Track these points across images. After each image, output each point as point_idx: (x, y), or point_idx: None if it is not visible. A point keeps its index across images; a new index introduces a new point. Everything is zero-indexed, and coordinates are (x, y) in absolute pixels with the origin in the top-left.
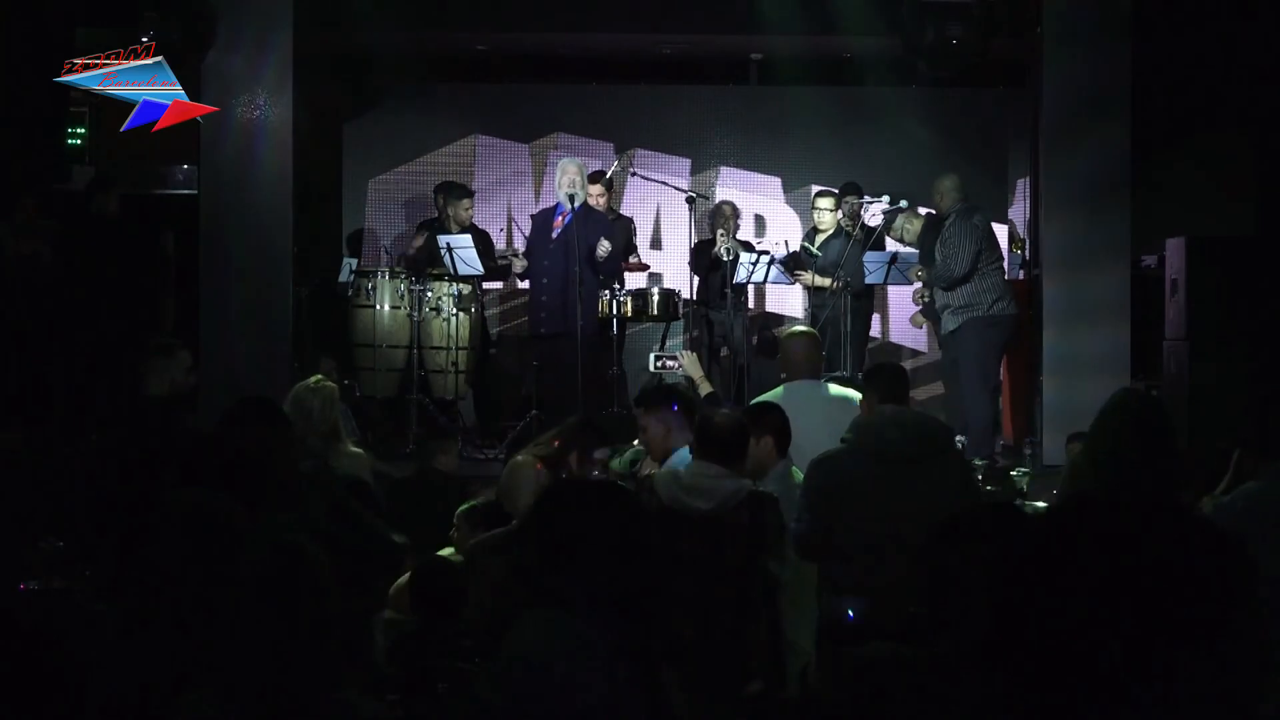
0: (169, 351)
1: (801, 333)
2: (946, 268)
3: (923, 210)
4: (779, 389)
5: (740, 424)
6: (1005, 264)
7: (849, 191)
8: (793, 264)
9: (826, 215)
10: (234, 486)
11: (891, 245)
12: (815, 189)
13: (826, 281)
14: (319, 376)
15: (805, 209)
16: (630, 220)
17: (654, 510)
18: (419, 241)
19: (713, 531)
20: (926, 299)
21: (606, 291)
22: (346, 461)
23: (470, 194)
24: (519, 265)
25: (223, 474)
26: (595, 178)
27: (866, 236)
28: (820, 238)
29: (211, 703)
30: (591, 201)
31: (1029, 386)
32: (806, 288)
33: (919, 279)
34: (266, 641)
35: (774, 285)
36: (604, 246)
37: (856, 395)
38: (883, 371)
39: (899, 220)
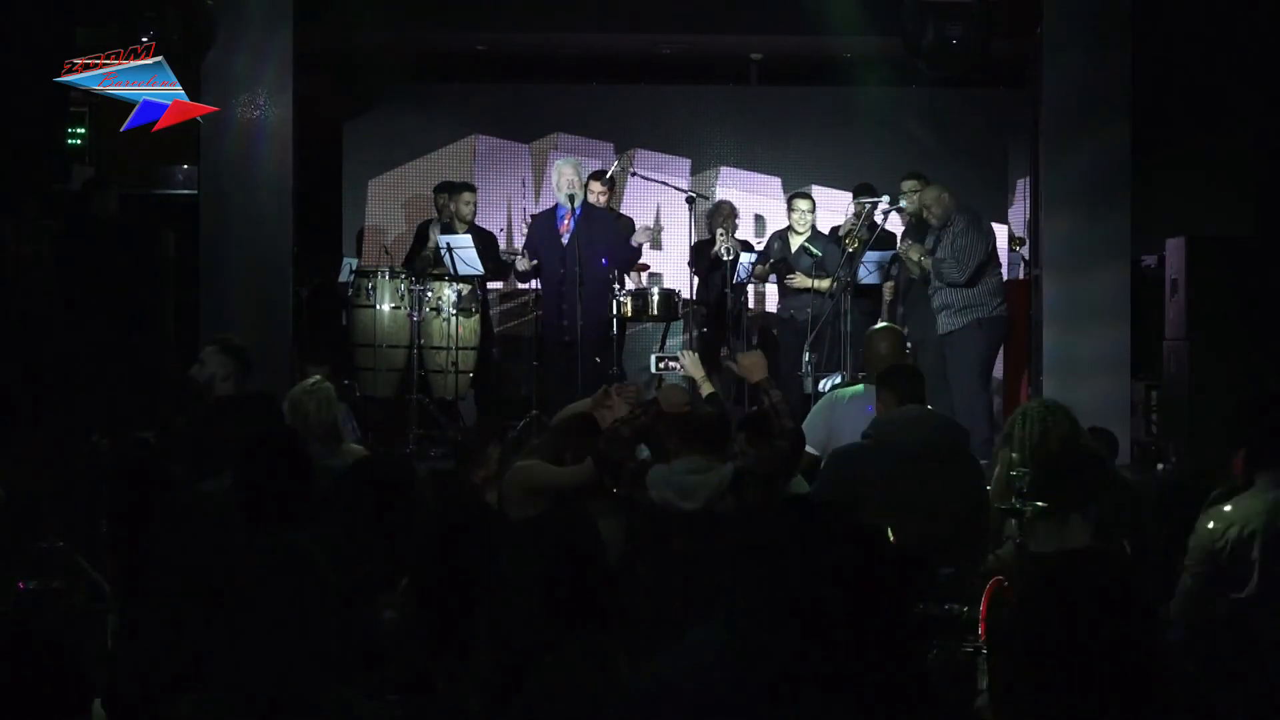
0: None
1: (885, 329)
2: (952, 268)
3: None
4: (859, 386)
5: (721, 415)
6: (1004, 265)
7: (862, 192)
8: (779, 267)
9: (806, 216)
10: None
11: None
12: (815, 189)
13: (825, 283)
14: (316, 378)
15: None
16: (631, 220)
17: (646, 507)
18: (433, 241)
19: (703, 526)
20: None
21: (610, 291)
22: (349, 461)
23: (472, 189)
24: (524, 264)
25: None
26: (597, 176)
27: (870, 231)
28: (795, 240)
29: (211, 703)
30: (592, 199)
31: (1028, 386)
32: (797, 290)
33: (917, 262)
34: (266, 641)
35: (774, 285)
36: (644, 234)
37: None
38: (902, 372)
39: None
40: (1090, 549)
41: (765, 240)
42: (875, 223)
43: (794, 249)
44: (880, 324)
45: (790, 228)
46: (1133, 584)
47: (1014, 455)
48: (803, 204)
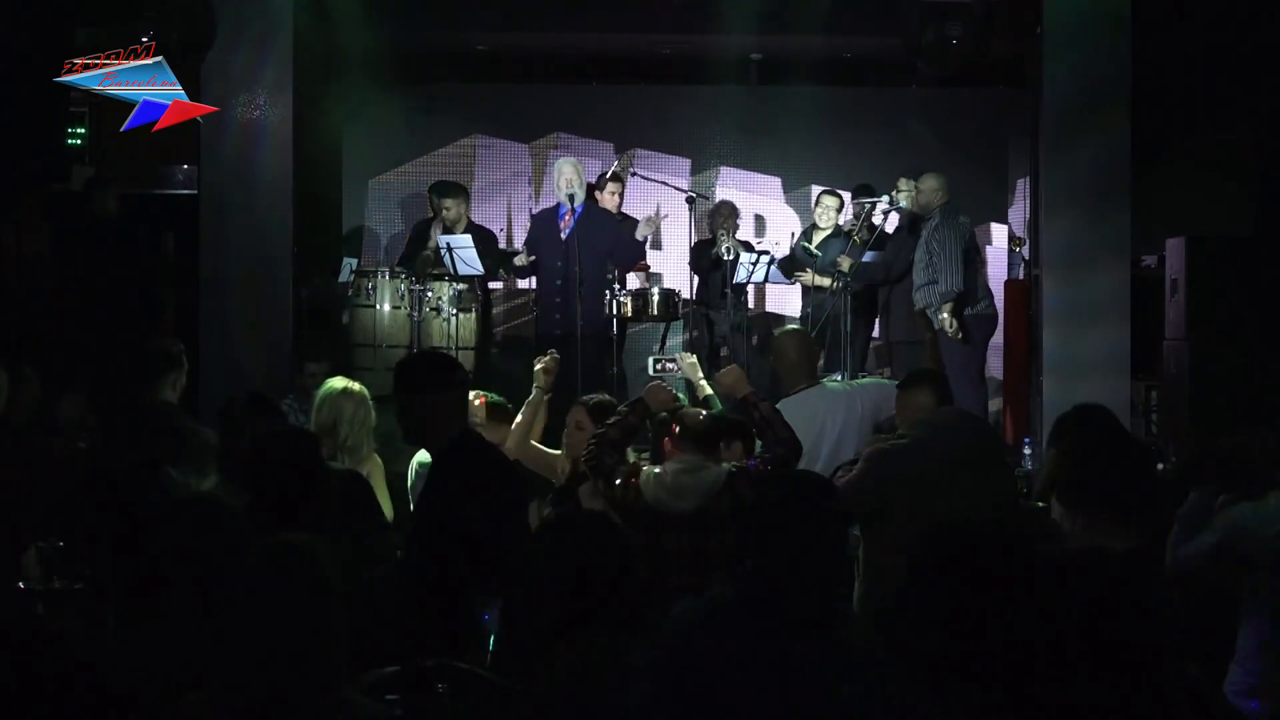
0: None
1: (793, 331)
2: (939, 277)
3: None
4: (793, 400)
5: (716, 415)
6: (1004, 265)
7: (861, 193)
8: (790, 266)
9: (830, 214)
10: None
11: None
12: (817, 188)
13: (827, 281)
14: (345, 380)
15: (805, 209)
16: (635, 221)
17: (640, 509)
18: (434, 241)
19: (697, 526)
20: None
21: (607, 291)
22: (370, 466)
23: (457, 194)
24: (522, 260)
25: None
26: (603, 179)
27: (870, 232)
28: (819, 236)
29: (211, 703)
30: (608, 200)
31: (1029, 386)
32: (806, 288)
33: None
34: (266, 641)
35: (774, 285)
36: (646, 227)
37: (845, 385)
38: (934, 375)
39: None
40: (1086, 550)
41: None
42: (874, 224)
43: (812, 246)
44: (787, 326)
45: (814, 225)
46: (1130, 585)
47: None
48: (829, 200)
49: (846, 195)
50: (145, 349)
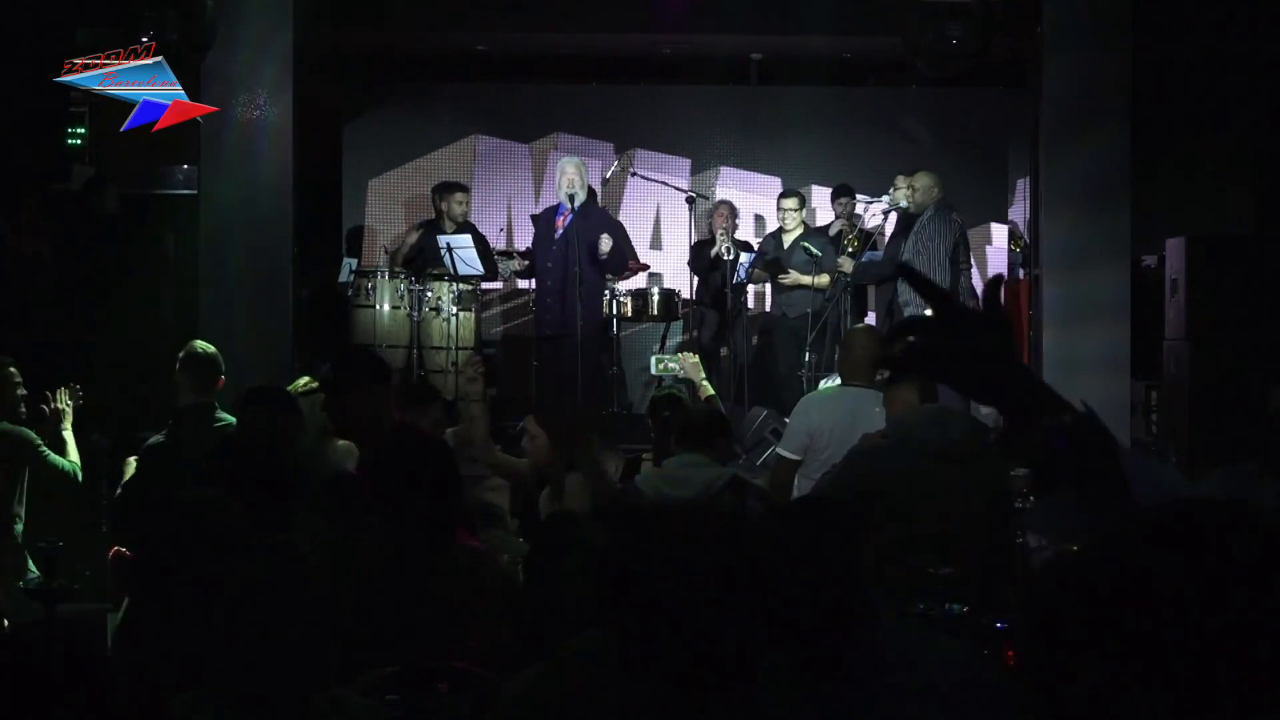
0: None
1: (866, 328)
2: (921, 265)
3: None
4: (833, 384)
5: (717, 413)
6: (1004, 266)
7: (842, 193)
8: (774, 267)
9: (793, 215)
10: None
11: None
12: (817, 188)
13: (825, 279)
14: (306, 379)
15: (807, 209)
16: (624, 229)
17: (640, 508)
18: (412, 239)
19: (695, 518)
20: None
21: (607, 291)
22: (340, 456)
23: (464, 189)
24: (516, 264)
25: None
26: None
27: (864, 238)
28: (788, 239)
29: (211, 703)
30: None
31: None
32: (790, 288)
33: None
34: (265, 641)
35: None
36: (605, 242)
37: None
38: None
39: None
40: (1080, 551)
41: (760, 242)
42: (869, 230)
43: (786, 247)
44: (861, 324)
45: (781, 228)
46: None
47: None
48: (788, 203)
49: (815, 190)
50: (197, 356)
